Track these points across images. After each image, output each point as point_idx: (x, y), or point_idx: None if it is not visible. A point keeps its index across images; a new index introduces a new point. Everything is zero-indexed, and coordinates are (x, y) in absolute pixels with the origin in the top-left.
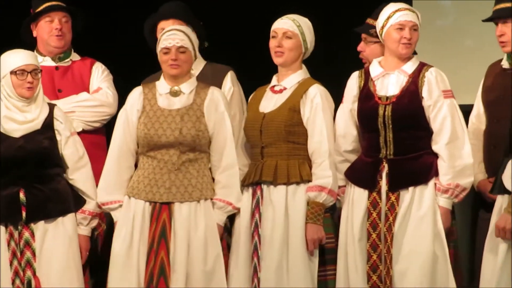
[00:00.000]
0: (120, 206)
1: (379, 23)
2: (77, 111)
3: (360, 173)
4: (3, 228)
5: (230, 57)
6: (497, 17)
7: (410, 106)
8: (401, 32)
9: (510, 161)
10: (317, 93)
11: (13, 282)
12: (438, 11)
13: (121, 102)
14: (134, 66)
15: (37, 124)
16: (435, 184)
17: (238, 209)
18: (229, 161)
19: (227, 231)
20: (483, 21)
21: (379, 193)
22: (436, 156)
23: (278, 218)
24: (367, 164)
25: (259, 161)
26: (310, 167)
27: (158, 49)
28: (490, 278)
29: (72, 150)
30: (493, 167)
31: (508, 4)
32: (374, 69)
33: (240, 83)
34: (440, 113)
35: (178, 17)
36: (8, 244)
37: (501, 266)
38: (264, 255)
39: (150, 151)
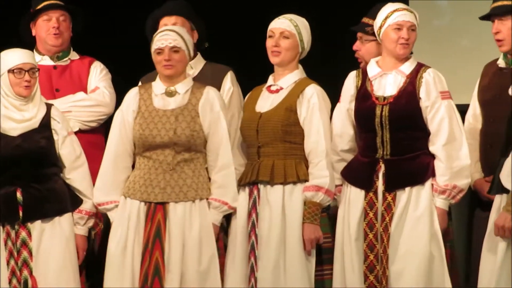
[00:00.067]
0: (116, 206)
1: (377, 23)
2: (73, 111)
3: (357, 173)
4: (0, 227)
5: (229, 57)
6: (493, 14)
7: (407, 107)
8: (399, 32)
9: (507, 160)
10: (314, 93)
11: (10, 282)
12: (435, 11)
13: (121, 101)
14: (134, 65)
15: (35, 123)
16: (432, 185)
17: (234, 209)
18: (224, 160)
19: (223, 231)
20: (480, 18)
21: (375, 193)
22: (432, 156)
23: (275, 218)
24: (364, 164)
25: (256, 161)
26: (307, 167)
27: (152, 50)
28: (489, 278)
29: (69, 150)
30: (490, 166)
31: (505, 2)
32: (372, 69)
33: (239, 83)
34: (438, 114)
35: (181, 14)
36: (5, 244)
37: (501, 265)
38: (261, 255)
39: (145, 151)
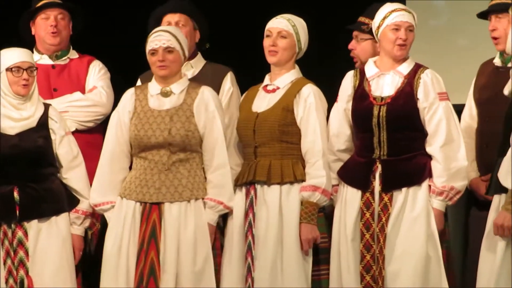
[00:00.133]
0: (113, 207)
1: (375, 22)
2: (70, 111)
3: (353, 173)
4: None
5: (228, 58)
6: (491, 11)
7: (405, 108)
8: (396, 33)
9: (505, 159)
10: (311, 93)
11: (7, 281)
12: (432, 11)
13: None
14: (134, 64)
15: (33, 122)
16: (429, 186)
17: (230, 209)
18: (220, 160)
19: (220, 230)
20: (478, 15)
21: (372, 193)
22: (429, 157)
23: (272, 218)
24: (360, 164)
25: (253, 160)
26: (304, 167)
27: (146, 51)
28: (488, 278)
29: (66, 150)
30: (486, 165)
31: (504, 0)
32: (369, 69)
33: (238, 84)
34: (436, 115)
35: (185, 12)
36: (2, 243)
37: (500, 264)
38: (258, 255)
39: (141, 152)
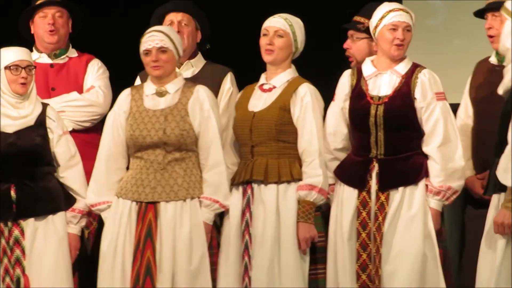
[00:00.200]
0: (109, 206)
1: (372, 22)
2: (66, 111)
3: (350, 172)
4: None
5: (228, 58)
6: (488, 9)
7: (402, 107)
8: (394, 33)
9: (502, 157)
10: (307, 92)
11: (3, 280)
12: (428, 10)
13: None
14: (134, 62)
15: (31, 120)
16: (426, 185)
17: (226, 207)
18: (215, 159)
19: (217, 229)
20: (474, 14)
21: (368, 192)
22: (426, 157)
23: (269, 217)
24: (357, 164)
25: (249, 160)
26: (301, 166)
27: (140, 51)
28: (488, 277)
29: (64, 149)
30: (481, 164)
31: None
32: (367, 68)
33: (238, 84)
34: (433, 115)
35: (188, 12)
36: None
37: (501, 262)
38: (255, 254)
39: (137, 152)
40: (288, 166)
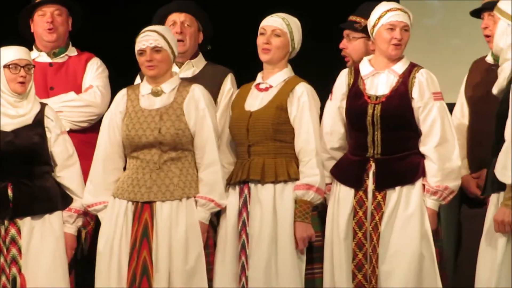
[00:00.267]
0: (106, 206)
1: (370, 22)
2: (64, 111)
3: (347, 172)
4: None
5: (228, 58)
6: (484, 9)
7: (399, 107)
8: (391, 33)
9: (500, 155)
10: (304, 91)
11: None
12: (426, 10)
13: None
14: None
15: (29, 119)
16: (423, 185)
17: (221, 206)
18: (211, 158)
19: (213, 229)
20: (471, 13)
21: (365, 192)
22: (423, 156)
23: (266, 216)
24: (354, 163)
25: (246, 159)
26: (298, 166)
27: (135, 51)
28: (488, 276)
29: (61, 148)
30: (477, 163)
31: None
32: (364, 67)
33: (238, 84)
34: (430, 115)
35: (191, 13)
36: None
37: (501, 261)
38: (252, 253)
39: (133, 151)
40: (285, 165)
